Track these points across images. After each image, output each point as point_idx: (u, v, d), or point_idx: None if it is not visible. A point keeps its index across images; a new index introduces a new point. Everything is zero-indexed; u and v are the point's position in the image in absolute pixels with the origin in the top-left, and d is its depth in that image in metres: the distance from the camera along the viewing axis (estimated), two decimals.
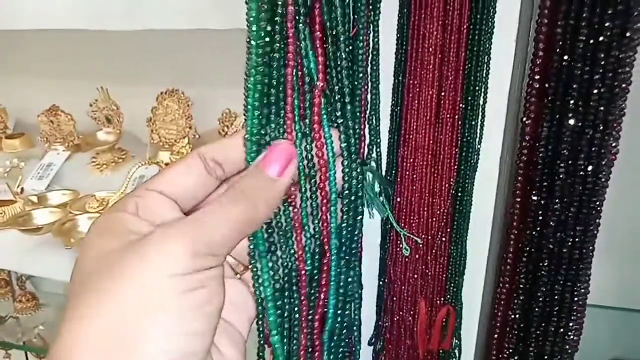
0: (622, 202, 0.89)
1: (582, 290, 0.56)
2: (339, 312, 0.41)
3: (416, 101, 0.60)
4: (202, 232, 0.31)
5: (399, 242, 0.68)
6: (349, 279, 0.41)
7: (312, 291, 0.40)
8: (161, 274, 0.29)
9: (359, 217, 0.41)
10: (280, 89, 0.37)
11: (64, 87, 1.32)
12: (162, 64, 1.21)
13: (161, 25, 0.85)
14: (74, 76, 1.30)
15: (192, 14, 0.84)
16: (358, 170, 0.40)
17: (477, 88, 0.59)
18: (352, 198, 0.40)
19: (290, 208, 0.38)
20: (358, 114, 0.43)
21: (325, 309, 0.41)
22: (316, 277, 0.40)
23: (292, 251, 0.38)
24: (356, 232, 0.41)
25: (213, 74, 1.16)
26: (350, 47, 0.42)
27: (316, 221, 0.39)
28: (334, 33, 0.39)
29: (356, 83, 0.43)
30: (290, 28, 0.36)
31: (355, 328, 0.46)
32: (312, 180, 0.38)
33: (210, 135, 1.20)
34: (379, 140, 0.58)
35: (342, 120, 0.39)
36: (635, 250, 1.06)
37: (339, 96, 0.39)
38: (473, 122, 0.61)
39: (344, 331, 0.42)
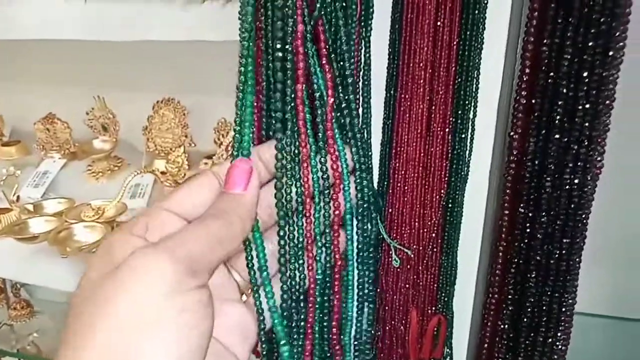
0: (616, 209, 0.90)
1: (570, 301, 0.57)
2: (358, 313, 0.43)
3: (407, 115, 0.61)
4: (184, 248, 0.32)
5: (390, 252, 0.69)
6: (369, 282, 0.43)
7: (326, 299, 0.41)
8: (148, 288, 0.30)
9: (373, 223, 0.43)
10: (286, 106, 0.38)
11: (60, 95, 1.32)
12: (158, 72, 1.22)
13: (159, 37, 0.86)
14: (71, 84, 1.31)
15: (190, 26, 0.85)
16: (369, 179, 0.42)
17: (467, 102, 0.60)
18: (365, 206, 0.42)
19: (304, 219, 0.39)
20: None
21: (341, 315, 0.42)
22: (328, 285, 0.41)
23: (301, 262, 0.39)
24: (372, 237, 0.43)
25: (209, 83, 1.17)
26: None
27: (327, 230, 0.40)
28: (337, 50, 0.41)
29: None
30: (299, 46, 0.38)
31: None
32: (326, 192, 0.40)
33: (206, 144, 1.21)
34: (370, 153, 0.59)
35: (351, 134, 0.41)
36: (628, 258, 1.07)
37: (346, 111, 0.41)
38: (463, 136, 0.62)
39: (365, 333, 0.44)
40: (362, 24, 0.52)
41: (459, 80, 0.59)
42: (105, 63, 1.20)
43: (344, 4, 0.41)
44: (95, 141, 1.24)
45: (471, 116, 0.61)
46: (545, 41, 0.47)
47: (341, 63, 0.41)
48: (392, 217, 0.67)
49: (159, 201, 0.37)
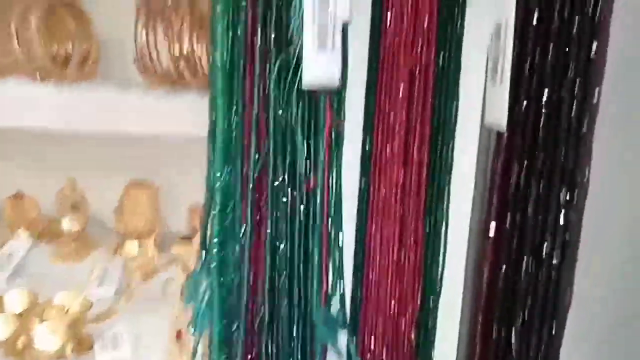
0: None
1: None
2: None
3: (385, 175, 0.59)
4: None
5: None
6: None
7: None
8: None
9: None
10: None
11: (30, 173, 1.30)
12: (131, 151, 1.20)
13: (131, 128, 0.85)
14: (41, 162, 1.29)
15: (165, 118, 0.84)
16: None
17: (442, 168, 0.59)
18: None
19: None
20: None
21: None
22: None
23: None
24: None
25: (183, 163, 1.16)
26: None
27: None
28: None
29: None
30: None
31: None
32: None
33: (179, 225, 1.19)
34: (342, 280, 0.58)
35: None
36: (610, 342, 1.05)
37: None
38: (439, 205, 0.60)
39: None
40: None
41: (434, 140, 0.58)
42: (78, 141, 1.18)
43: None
44: (64, 221, 1.21)
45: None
46: (523, 104, 0.47)
47: None
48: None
49: None
